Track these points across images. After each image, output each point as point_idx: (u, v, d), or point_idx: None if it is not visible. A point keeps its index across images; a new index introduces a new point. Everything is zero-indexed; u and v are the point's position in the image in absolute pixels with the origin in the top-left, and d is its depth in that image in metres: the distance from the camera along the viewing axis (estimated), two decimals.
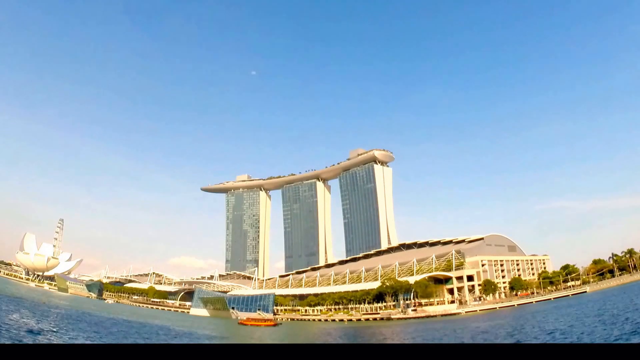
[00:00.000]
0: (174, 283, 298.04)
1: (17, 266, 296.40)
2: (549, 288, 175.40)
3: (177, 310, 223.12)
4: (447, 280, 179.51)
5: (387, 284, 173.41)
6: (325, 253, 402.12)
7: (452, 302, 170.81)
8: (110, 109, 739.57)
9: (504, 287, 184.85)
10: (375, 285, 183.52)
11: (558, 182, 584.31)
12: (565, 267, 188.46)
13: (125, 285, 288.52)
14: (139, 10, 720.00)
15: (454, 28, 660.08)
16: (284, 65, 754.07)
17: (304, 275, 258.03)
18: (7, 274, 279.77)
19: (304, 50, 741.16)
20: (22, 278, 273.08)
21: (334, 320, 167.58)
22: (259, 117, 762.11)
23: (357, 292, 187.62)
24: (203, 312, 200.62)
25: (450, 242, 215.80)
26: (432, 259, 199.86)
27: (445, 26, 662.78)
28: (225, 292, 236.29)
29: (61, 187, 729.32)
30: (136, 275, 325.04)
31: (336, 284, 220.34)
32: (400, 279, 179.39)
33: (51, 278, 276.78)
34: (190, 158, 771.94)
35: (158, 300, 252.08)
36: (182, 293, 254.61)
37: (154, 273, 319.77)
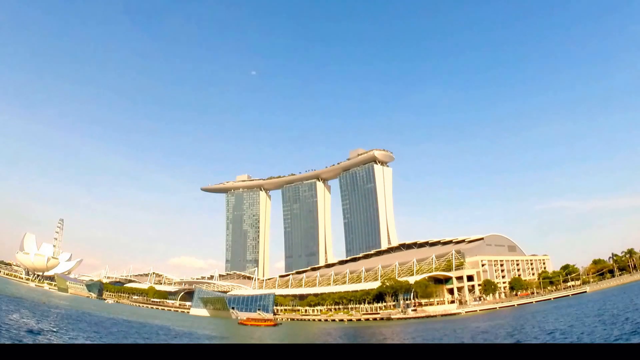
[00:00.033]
0: (174, 283, 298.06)
1: (17, 266, 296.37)
2: (549, 288, 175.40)
3: (177, 310, 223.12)
4: (447, 280, 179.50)
5: (387, 284, 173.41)
6: (325, 253, 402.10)
7: (452, 302, 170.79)
8: (110, 109, 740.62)
9: (504, 287, 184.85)
10: (375, 285, 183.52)
11: (558, 182, 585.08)
12: (565, 267, 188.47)
13: (125, 285, 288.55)
14: (139, 10, 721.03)
15: (454, 28, 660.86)
16: (284, 65, 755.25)
17: (304, 275, 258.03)
18: (7, 274, 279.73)
19: (304, 50, 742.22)
20: (22, 278, 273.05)
21: (334, 320, 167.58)
22: (259, 117, 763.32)
23: (357, 292, 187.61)
24: (203, 312, 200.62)
25: (450, 242, 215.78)
26: (432, 259, 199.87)
27: (445, 26, 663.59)
28: (225, 292, 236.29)
29: (61, 187, 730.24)
30: (136, 275, 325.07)
31: (336, 284, 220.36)
32: (400, 279, 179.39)
33: (51, 278, 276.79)
34: (190, 158, 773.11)
35: (158, 300, 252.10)
36: (182, 293, 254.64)
37: (154, 273, 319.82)
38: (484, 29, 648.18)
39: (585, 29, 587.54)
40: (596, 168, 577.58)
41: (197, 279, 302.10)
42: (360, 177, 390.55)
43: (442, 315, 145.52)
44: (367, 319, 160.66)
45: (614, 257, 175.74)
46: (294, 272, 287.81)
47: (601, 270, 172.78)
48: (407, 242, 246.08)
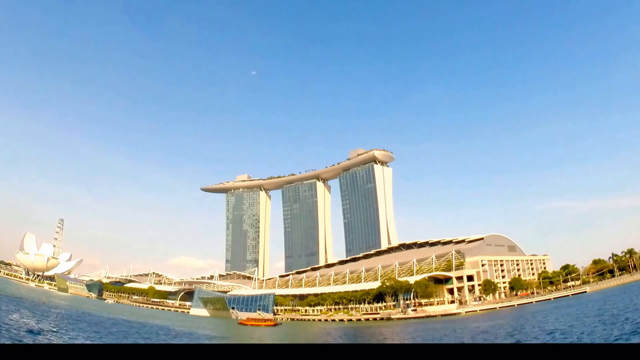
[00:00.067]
0: (174, 283, 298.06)
1: (17, 266, 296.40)
2: (549, 288, 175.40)
3: (177, 310, 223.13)
4: (447, 280, 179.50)
5: (387, 284, 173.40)
6: (325, 253, 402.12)
7: (452, 302, 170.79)
8: (110, 109, 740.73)
9: (504, 287, 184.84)
10: (375, 285, 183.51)
11: (558, 182, 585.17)
12: (565, 267, 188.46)
13: (125, 285, 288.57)
14: (139, 10, 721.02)
15: (454, 28, 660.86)
16: (284, 65, 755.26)
17: (304, 275, 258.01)
18: (7, 274, 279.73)
19: (304, 50, 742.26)
20: (22, 278, 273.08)
21: (334, 320, 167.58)
22: (259, 117, 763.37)
23: (357, 292, 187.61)
24: (203, 312, 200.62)
25: (450, 242, 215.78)
26: (432, 259, 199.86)
27: (445, 26, 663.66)
28: (225, 292, 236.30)
29: (61, 187, 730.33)
30: (136, 275, 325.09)
31: (336, 284, 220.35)
32: (400, 279, 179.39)
33: (51, 278, 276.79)
34: (190, 158, 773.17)
35: (158, 300, 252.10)
36: (182, 293, 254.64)
37: (154, 273, 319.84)
38: (484, 29, 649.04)
39: (585, 29, 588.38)
40: (596, 168, 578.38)
41: (197, 279, 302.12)
42: (360, 177, 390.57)
43: (442, 315, 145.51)
44: (367, 319, 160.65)
45: (614, 257, 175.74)
46: (294, 272, 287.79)
47: (601, 270, 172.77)
48: (407, 242, 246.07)
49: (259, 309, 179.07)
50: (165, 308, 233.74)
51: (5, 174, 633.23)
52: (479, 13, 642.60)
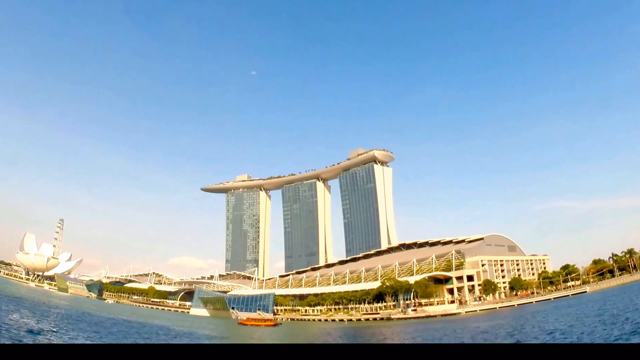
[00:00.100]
0: (174, 283, 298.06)
1: (17, 266, 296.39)
2: (549, 288, 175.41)
3: (177, 310, 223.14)
4: (447, 280, 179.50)
5: (387, 284, 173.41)
6: (325, 253, 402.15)
7: (452, 302, 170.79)
8: (110, 109, 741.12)
9: (504, 287, 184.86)
10: (375, 285, 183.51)
11: (558, 182, 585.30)
12: (565, 267, 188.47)
13: (125, 285, 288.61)
14: (139, 10, 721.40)
15: (454, 28, 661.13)
16: (284, 65, 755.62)
17: (304, 275, 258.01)
18: (7, 274, 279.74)
19: (304, 50, 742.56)
20: (22, 278, 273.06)
21: (334, 320, 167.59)
22: (259, 117, 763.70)
23: (357, 292, 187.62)
24: (203, 312, 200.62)
25: (450, 242, 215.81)
26: (432, 259, 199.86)
27: (445, 26, 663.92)
28: (225, 292, 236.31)
29: (61, 187, 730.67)
30: (136, 275, 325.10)
31: (336, 284, 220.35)
32: (400, 279, 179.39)
33: (51, 278, 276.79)
34: (190, 158, 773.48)
35: (158, 300, 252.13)
36: (182, 293, 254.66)
37: (154, 273, 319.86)
38: (484, 29, 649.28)
39: (585, 29, 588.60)
40: (596, 168, 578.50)
41: (197, 279, 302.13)
42: (360, 177, 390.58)
43: (442, 315, 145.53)
44: (367, 319, 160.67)
45: (614, 257, 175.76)
46: (294, 272, 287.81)
47: (601, 270, 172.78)
48: (407, 242, 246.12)
49: (259, 309, 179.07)
50: (165, 308, 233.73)
51: (5, 174, 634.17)
52: (479, 13, 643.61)
